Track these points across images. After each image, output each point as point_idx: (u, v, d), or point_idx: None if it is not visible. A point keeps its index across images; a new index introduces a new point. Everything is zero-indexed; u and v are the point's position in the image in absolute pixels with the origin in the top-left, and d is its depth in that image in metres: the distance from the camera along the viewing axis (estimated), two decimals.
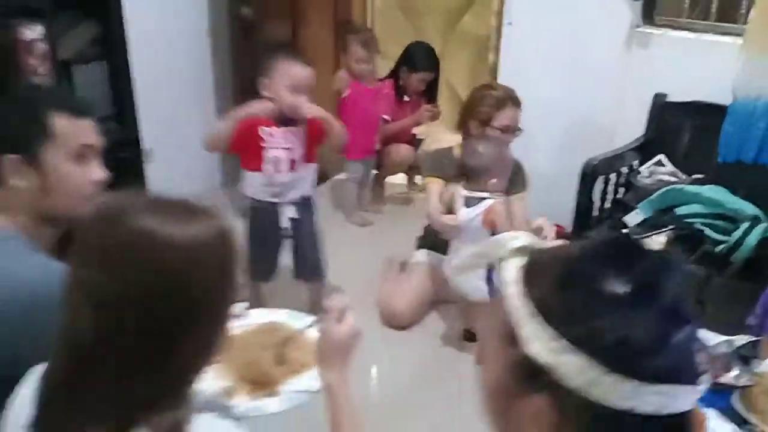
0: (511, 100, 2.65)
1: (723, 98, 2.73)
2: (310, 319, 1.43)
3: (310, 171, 2.48)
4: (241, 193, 2.52)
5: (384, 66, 3.85)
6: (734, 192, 2.65)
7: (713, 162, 2.76)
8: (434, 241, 2.84)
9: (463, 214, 2.39)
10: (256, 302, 2.48)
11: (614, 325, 0.66)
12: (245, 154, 2.40)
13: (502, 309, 0.72)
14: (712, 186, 2.69)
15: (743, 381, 1.52)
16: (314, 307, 2.55)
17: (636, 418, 0.66)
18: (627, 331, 0.65)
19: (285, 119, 2.34)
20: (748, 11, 2.81)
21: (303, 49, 3.08)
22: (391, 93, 3.71)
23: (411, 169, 3.92)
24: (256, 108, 2.34)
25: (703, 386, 0.74)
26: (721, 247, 2.49)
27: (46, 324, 1.15)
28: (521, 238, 0.77)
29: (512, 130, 2.65)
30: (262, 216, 2.45)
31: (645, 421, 0.66)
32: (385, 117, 3.69)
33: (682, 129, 2.97)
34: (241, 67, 3.24)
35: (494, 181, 2.37)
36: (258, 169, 2.37)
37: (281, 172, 2.38)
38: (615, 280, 0.67)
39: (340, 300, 1.23)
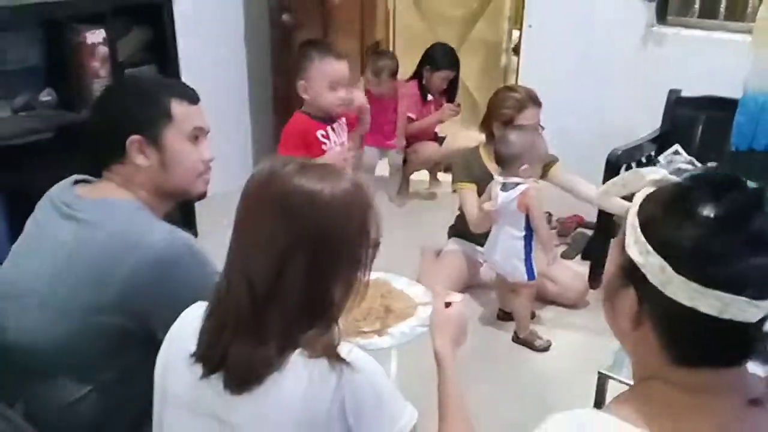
0: (531, 101, 2.79)
1: (733, 92, 2.90)
2: (406, 279, 1.59)
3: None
4: None
5: (408, 67, 4.06)
6: (746, 178, 2.82)
7: (725, 151, 2.93)
8: (465, 230, 3.01)
9: (501, 198, 2.55)
10: None
11: (691, 237, 0.81)
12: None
13: (625, 224, 0.89)
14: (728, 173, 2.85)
15: None
16: None
17: (701, 316, 0.80)
18: (699, 243, 0.80)
19: (328, 117, 2.37)
20: (755, 11, 2.99)
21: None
22: (416, 93, 3.90)
23: (434, 166, 4.10)
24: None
25: (766, 305, 0.80)
26: None
27: (171, 283, 1.33)
28: (660, 172, 0.91)
29: (536, 128, 2.78)
30: None
31: (711, 322, 0.80)
32: (410, 115, 3.89)
33: (695, 122, 3.14)
34: (281, 69, 3.44)
35: (525, 167, 2.53)
36: None
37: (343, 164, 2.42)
38: (707, 204, 0.81)
39: (452, 295, 1.40)
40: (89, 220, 1.37)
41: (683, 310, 0.81)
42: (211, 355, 1.04)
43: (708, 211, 0.81)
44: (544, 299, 2.94)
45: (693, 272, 0.80)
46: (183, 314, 1.16)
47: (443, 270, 3.00)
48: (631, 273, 0.85)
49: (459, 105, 4.00)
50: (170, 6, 2.89)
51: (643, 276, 0.84)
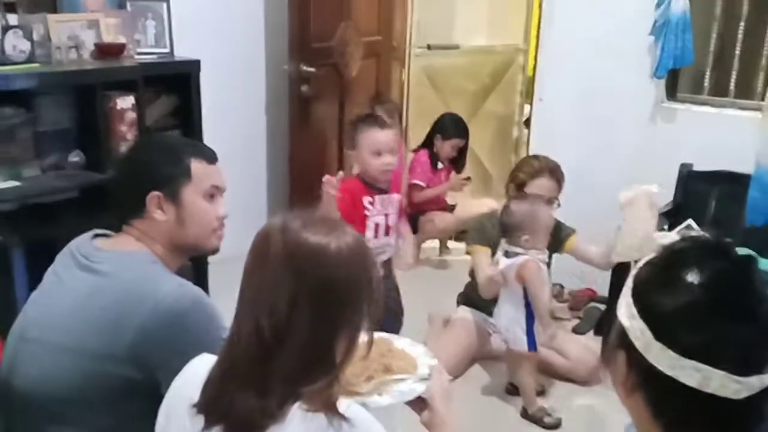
0: (549, 171, 2.81)
1: (744, 167, 2.97)
2: (408, 339, 1.61)
3: (397, 234, 2.66)
4: None
5: (420, 137, 4.17)
6: (761, 254, 2.83)
7: (739, 226, 2.96)
8: (474, 298, 3.00)
9: (502, 264, 2.58)
10: None
11: (671, 303, 0.79)
12: (350, 224, 2.47)
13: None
14: (741, 249, 2.87)
15: None
16: None
17: (685, 388, 0.77)
18: (677, 309, 0.78)
19: (378, 188, 2.53)
20: (764, 88, 3.09)
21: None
22: (427, 161, 4.00)
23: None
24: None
25: (750, 382, 0.76)
26: None
27: (180, 335, 1.37)
28: (670, 236, 0.92)
29: (545, 200, 2.76)
30: None
31: (695, 395, 0.76)
32: (420, 183, 3.97)
33: (708, 196, 3.18)
34: (298, 138, 3.55)
35: (526, 237, 2.54)
36: None
37: (379, 237, 2.54)
38: (691, 270, 0.79)
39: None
40: (105, 271, 1.42)
41: (666, 379, 0.78)
42: (214, 407, 1.05)
43: (690, 278, 0.79)
44: (556, 375, 2.89)
45: (670, 339, 0.78)
46: (188, 365, 1.18)
47: (451, 338, 2.98)
48: (622, 336, 0.84)
49: (469, 177, 4.10)
50: (198, 76, 3.01)
51: (630, 340, 0.82)
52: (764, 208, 2.88)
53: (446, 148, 4.04)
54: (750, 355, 0.77)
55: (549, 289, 2.64)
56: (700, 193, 3.19)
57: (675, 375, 0.77)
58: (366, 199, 2.50)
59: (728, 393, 0.76)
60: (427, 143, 4.11)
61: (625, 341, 0.83)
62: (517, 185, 2.83)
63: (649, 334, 0.79)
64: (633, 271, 0.88)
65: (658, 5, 3.20)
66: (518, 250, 2.55)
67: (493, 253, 2.84)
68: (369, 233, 2.52)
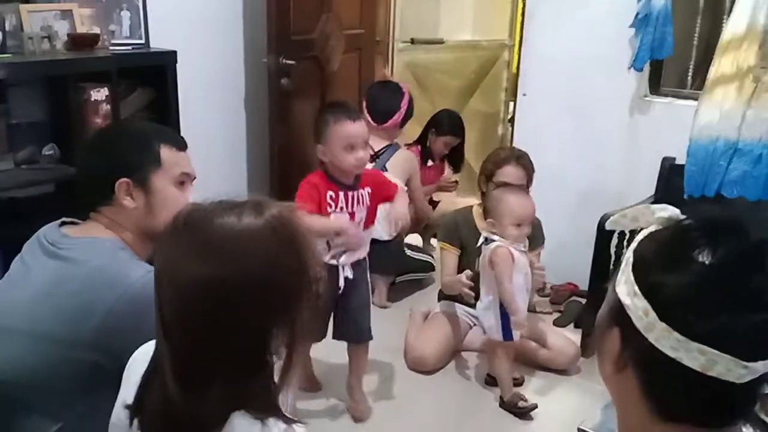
0: (515, 159, 2.86)
1: None
2: None
3: (369, 234, 2.50)
4: None
5: (404, 136, 4.13)
6: None
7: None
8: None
9: (481, 250, 2.61)
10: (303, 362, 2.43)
11: (679, 283, 0.75)
12: None
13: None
14: None
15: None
16: (357, 370, 2.59)
17: (684, 370, 0.74)
18: (687, 290, 0.75)
19: (347, 183, 2.38)
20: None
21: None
22: (418, 157, 3.95)
23: (425, 229, 4.11)
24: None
25: (756, 367, 0.74)
26: None
27: (147, 322, 1.33)
28: (669, 209, 0.85)
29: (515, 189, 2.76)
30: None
31: (694, 377, 0.74)
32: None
33: None
34: (278, 132, 3.50)
35: (491, 221, 2.59)
36: None
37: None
38: (702, 250, 0.75)
39: None
40: (72, 257, 1.40)
41: (666, 360, 0.76)
42: (143, 408, 0.99)
43: (702, 258, 0.76)
44: (536, 364, 2.91)
45: (677, 321, 0.75)
46: (132, 357, 1.13)
47: (431, 332, 2.99)
48: (618, 313, 0.81)
49: (457, 182, 4.08)
50: (174, 68, 2.96)
51: (629, 318, 0.79)
52: (700, 180, 2.91)
53: (439, 144, 4.01)
54: (760, 340, 0.74)
55: (529, 280, 2.61)
56: (682, 186, 3.17)
57: (677, 357, 0.75)
58: (329, 194, 2.34)
59: (732, 377, 0.74)
60: (422, 139, 4.08)
61: (621, 318, 0.80)
62: (486, 176, 2.89)
63: (653, 314, 0.76)
64: (633, 245, 0.84)
65: None
66: (494, 237, 2.56)
67: (463, 252, 2.92)
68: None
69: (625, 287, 0.81)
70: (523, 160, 2.87)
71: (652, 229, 0.84)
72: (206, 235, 0.95)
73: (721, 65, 2.81)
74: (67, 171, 2.68)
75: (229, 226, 0.95)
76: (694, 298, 0.75)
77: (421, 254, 3.69)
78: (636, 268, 0.81)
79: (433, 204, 4.12)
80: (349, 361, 2.60)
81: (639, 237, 0.85)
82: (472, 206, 3.05)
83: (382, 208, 2.54)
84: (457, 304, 3.06)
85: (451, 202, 4.19)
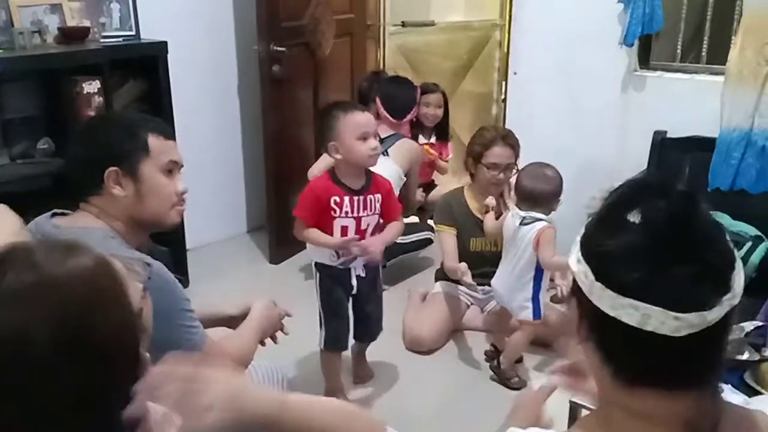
0: (501, 139, 2.84)
1: (718, 132, 2.97)
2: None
3: (383, 239, 2.39)
4: (311, 260, 2.48)
5: None
6: (735, 216, 2.85)
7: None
8: None
9: (520, 232, 2.53)
10: (332, 374, 2.49)
11: (608, 242, 0.79)
12: (316, 225, 2.33)
13: None
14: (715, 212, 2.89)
15: (752, 357, 1.70)
16: (363, 357, 2.68)
17: (628, 329, 0.76)
18: (615, 247, 0.78)
19: (354, 188, 2.31)
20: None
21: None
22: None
23: (421, 210, 4.11)
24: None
25: (689, 318, 0.76)
26: None
27: None
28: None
29: (502, 168, 2.81)
30: (333, 281, 2.39)
31: (639, 335, 0.76)
32: None
33: (682, 162, 3.19)
34: (272, 121, 3.51)
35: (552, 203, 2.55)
36: None
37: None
38: (629, 210, 0.79)
39: None
40: None
41: (611, 321, 0.78)
42: None
43: (631, 217, 0.79)
44: (534, 340, 2.85)
45: (609, 279, 0.78)
46: None
47: (429, 312, 3.01)
48: (574, 283, 0.85)
49: (445, 169, 4.06)
50: (165, 58, 2.98)
51: (579, 285, 0.82)
52: (725, 172, 2.90)
53: (423, 110, 3.82)
54: (687, 291, 0.76)
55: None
56: (674, 160, 3.20)
57: (617, 315, 0.77)
58: (333, 200, 2.28)
59: (668, 330, 0.75)
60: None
61: (575, 287, 0.83)
62: (473, 158, 2.88)
63: (591, 275, 0.80)
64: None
65: None
66: (538, 215, 2.50)
67: (459, 233, 2.92)
68: (336, 236, 2.31)
69: (574, 256, 0.84)
70: (509, 139, 2.86)
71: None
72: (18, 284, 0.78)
73: (739, 46, 2.76)
74: (62, 164, 2.70)
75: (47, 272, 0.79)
76: (622, 255, 0.78)
77: (415, 235, 3.66)
78: (583, 237, 0.85)
79: (432, 186, 4.13)
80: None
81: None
82: (462, 187, 3.06)
83: None
84: (453, 284, 3.07)
85: (445, 184, 4.21)
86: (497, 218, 2.73)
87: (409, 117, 3.66)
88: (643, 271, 0.76)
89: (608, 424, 0.85)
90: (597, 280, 0.79)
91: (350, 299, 2.46)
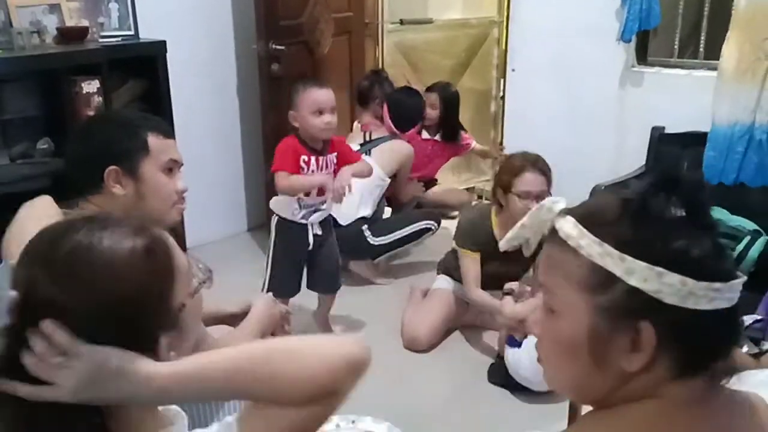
0: (531, 164, 2.67)
1: None
2: (369, 417, 1.61)
3: (330, 205, 2.68)
4: (271, 213, 2.71)
5: None
6: (733, 211, 2.86)
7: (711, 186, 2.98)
8: (452, 268, 3.01)
9: None
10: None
11: (688, 242, 0.77)
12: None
13: (576, 264, 0.79)
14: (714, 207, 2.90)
15: (751, 351, 1.70)
16: (325, 318, 2.90)
17: (711, 315, 0.76)
18: (696, 245, 0.77)
19: (317, 148, 2.57)
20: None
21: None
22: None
23: (418, 207, 4.11)
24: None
25: (735, 284, 0.79)
26: None
27: None
28: (562, 201, 0.85)
29: (534, 195, 2.59)
30: (292, 235, 2.66)
31: (718, 318, 0.76)
32: None
33: (680, 158, 3.20)
34: (271, 118, 3.52)
35: None
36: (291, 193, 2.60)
37: (311, 196, 2.58)
38: (672, 206, 0.78)
39: None
40: None
41: (695, 318, 0.76)
42: None
43: (674, 213, 0.78)
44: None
45: (706, 275, 0.76)
46: None
47: (430, 309, 3.00)
48: (635, 307, 0.77)
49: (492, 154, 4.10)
50: (164, 58, 2.99)
51: (657, 301, 0.76)
52: (719, 167, 2.90)
53: (428, 107, 3.88)
54: (729, 263, 0.80)
55: None
56: (672, 155, 3.21)
57: (713, 306, 0.77)
58: (302, 158, 2.54)
59: (728, 302, 0.77)
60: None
61: (645, 308, 0.79)
62: (503, 188, 2.71)
63: (690, 280, 0.78)
64: (585, 240, 0.82)
65: None
66: None
67: (483, 257, 2.79)
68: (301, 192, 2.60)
69: (639, 274, 0.77)
70: (540, 164, 2.68)
71: (569, 221, 0.83)
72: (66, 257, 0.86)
73: (734, 41, 2.73)
74: (62, 164, 2.70)
75: (87, 244, 0.87)
76: (700, 248, 0.77)
77: (408, 228, 3.61)
78: (639, 253, 0.79)
79: (433, 183, 4.14)
80: (319, 303, 2.91)
81: (578, 233, 0.81)
82: (489, 210, 2.88)
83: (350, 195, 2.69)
84: (454, 280, 3.07)
85: (449, 187, 4.23)
86: (516, 301, 2.59)
87: (411, 131, 3.71)
88: (716, 257, 0.78)
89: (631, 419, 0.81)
90: (702, 280, 0.76)
91: (308, 257, 2.71)
